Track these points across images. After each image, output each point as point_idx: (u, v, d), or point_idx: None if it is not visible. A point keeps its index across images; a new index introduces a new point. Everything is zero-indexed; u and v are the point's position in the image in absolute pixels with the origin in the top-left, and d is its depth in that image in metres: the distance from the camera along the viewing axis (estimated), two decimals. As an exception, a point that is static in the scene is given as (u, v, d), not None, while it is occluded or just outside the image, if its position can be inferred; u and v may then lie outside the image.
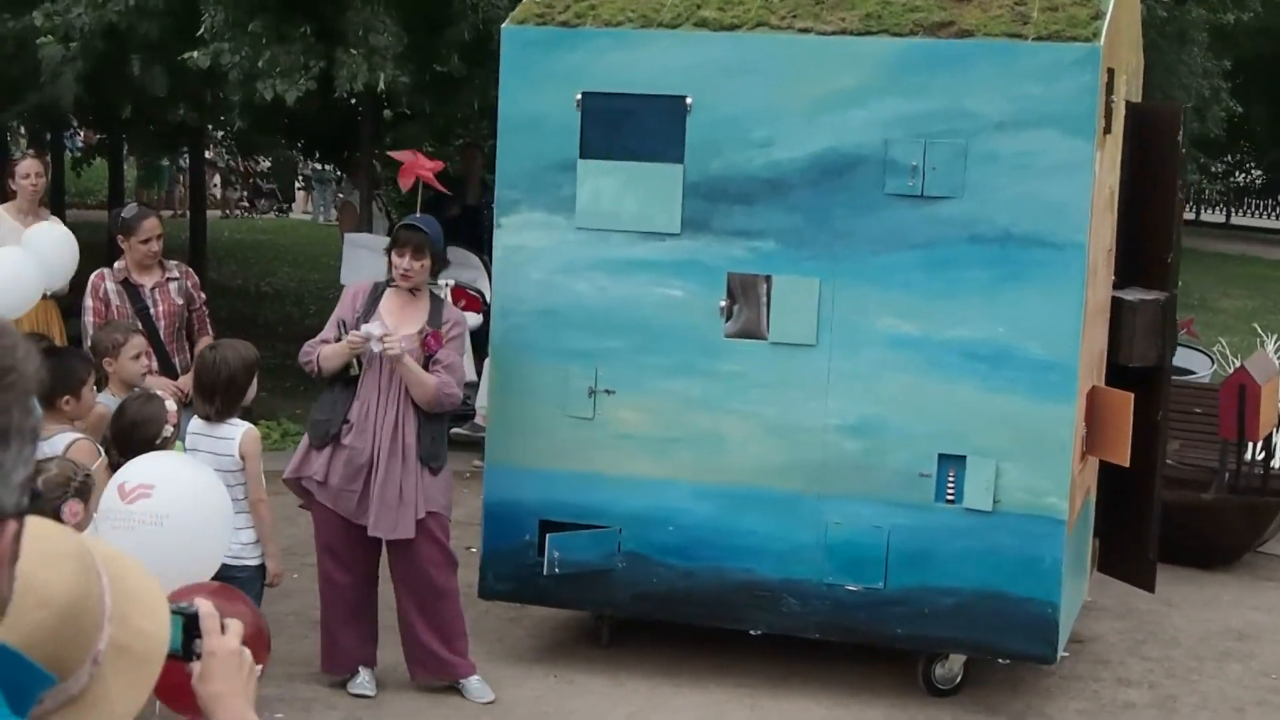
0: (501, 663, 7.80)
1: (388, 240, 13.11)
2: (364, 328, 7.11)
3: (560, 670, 7.78)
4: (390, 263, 7.30)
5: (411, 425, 7.19)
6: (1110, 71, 7.24)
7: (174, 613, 2.37)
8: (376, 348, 7.06)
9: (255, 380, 6.91)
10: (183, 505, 4.58)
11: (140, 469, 4.77)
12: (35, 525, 2.17)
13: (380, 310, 7.25)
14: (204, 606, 2.48)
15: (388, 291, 7.34)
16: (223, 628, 2.48)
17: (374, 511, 7.15)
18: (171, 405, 6.42)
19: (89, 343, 7.78)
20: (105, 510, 4.64)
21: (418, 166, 8.68)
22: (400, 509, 7.16)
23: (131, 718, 2.21)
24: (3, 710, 1.95)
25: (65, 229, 9.17)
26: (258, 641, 3.81)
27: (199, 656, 2.45)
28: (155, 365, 8.19)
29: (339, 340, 7.18)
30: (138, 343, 7.48)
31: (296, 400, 13.31)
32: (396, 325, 7.19)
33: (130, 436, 6.21)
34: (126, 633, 2.19)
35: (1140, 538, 8.41)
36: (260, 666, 2.56)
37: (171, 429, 6.32)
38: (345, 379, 7.20)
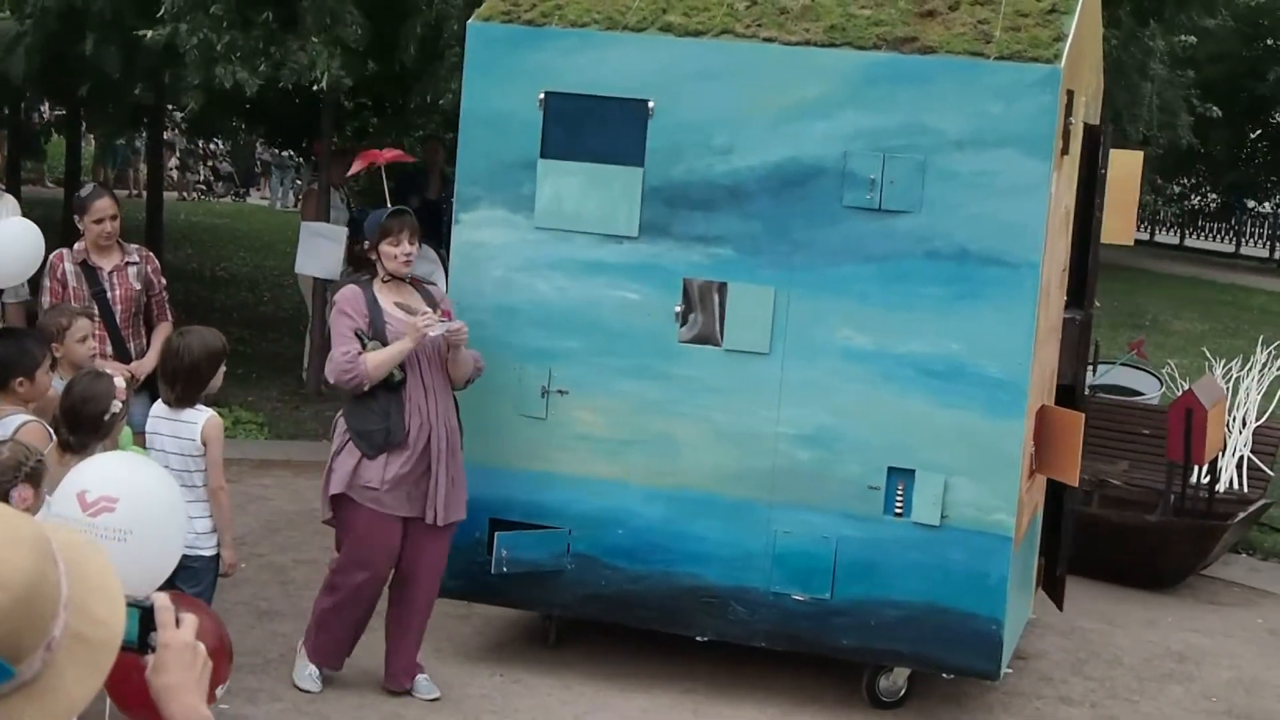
0: (449, 660, 7.81)
1: (345, 230, 13.14)
2: (447, 322, 7.09)
3: (507, 669, 7.79)
4: (383, 254, 7.14)
5: (454, 412, 7.27)
6: (1070, 93, 7.30)
7: (130, 605, 2.38)
8: (436, 332, 7.01)
9: (221, 369, 6.87)
10: (146, 520, 4.53)
11: (102, 477, 4.71)
12: (-8, 509, 2.19)
13: (388, 306, 7.13)
14: (159, 600, 2.50)
15: (381, 287, 7.20)
16: (178, 621, 2.50)
17: (442, 500, 7.14)
18: (120, 382, 6.38)
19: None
20: (65, 517, 4.60)
21: (374, 154, 8.54)
22: (455, 492, 7.22)
23: (84, 705, 2.22)
24: None
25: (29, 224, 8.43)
26: (220, 655, 3.80)
27: (154, 649, 2.47)
28: (110, 349, 8.19)
29: (373, 349, 7.00)
30: (83, 325, 7.44)
31: (250, 388, 13.31)
32: (395, 304, 7.16)
33: (79, 413, 6.18)
34: (83, 621, 2.20)
35: (1053, 553, 8.58)
36: (224, 685, 2.57)
37: (120, 404, 6.27)
38: (387, 385, 7.06)
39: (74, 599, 2.20)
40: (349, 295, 7.20)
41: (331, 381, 7.21)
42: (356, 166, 8.24)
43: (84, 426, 6.13)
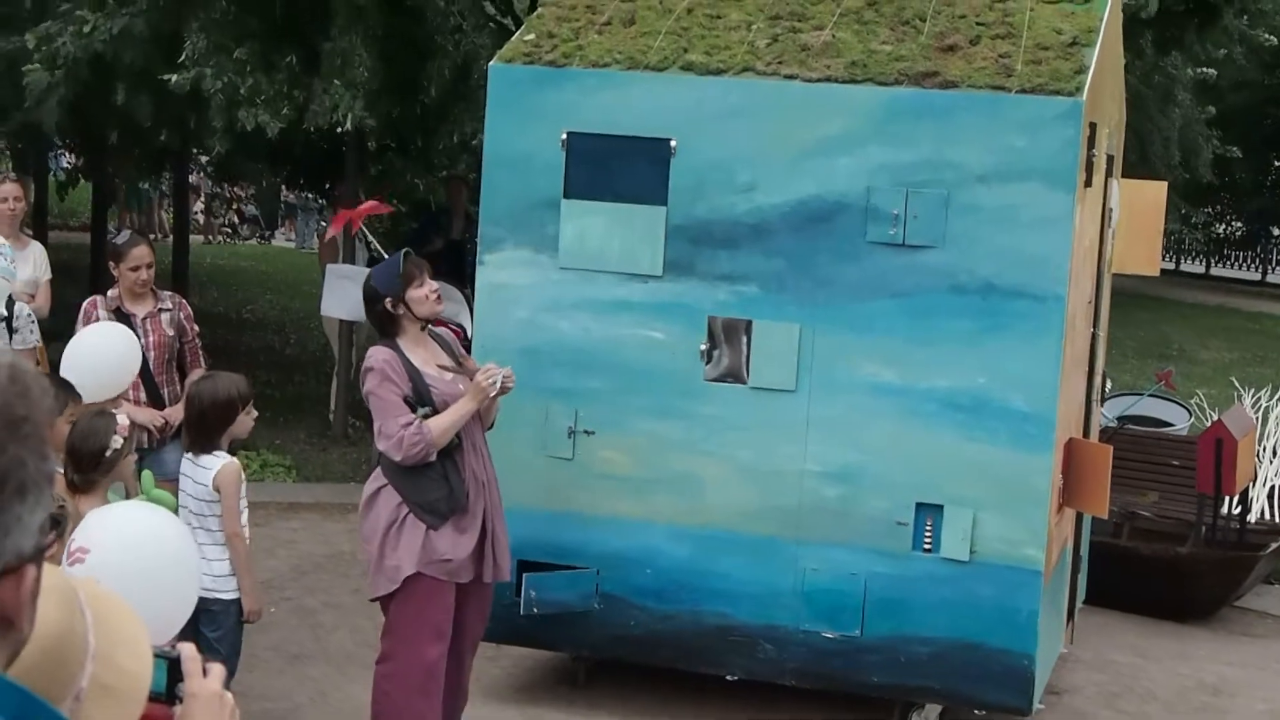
0: (477, 702, 7.76)
1: (369, 272, 13.16)
2: (498, 370, 6.72)
3: (536, 711, 7.77)
4: (413, 300, 6.72)
5: (493, 465, 6.97)
6: (1092, 125, 7.30)
7: (157, 656, 2.39)
8: (497, 388, 6.70)
9: (245, 415, 6.75)
10: (114, 572, 4.44)
11: (91, 527, 4.70)
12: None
13: (420, 364, 6.73)
14: (186, 649, 2.50)
15: (407, 344, 6.75)
16: (205, 671, 2.50)
17: (498, 558, 6.84)
18: (123, 420, 6.31)
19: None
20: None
21: (348, 214, 8.37)
22: (506, 546, 6.94)
23: (111, 756, 2.22)
24: None
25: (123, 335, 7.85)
26: None
27: (181, 700, 2.47)
28: (144, 396, 8.20)
29: (425, 415, 6.59)
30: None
31: (276, 430, 13.31)
32: (440, 368, 6.84)
33: (79, 450, 6.12)
34: (109, 671, 2.20)
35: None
36: None
37: (121, 440, 6.19)
38: (443, 449, 6.67)
39: (101, 651, 2.20)
40: (389, 359, 6.68)
41: (397, 459, 6.60)
42: (332, 231, 8.12)
43: (85, 463, 6.09)
